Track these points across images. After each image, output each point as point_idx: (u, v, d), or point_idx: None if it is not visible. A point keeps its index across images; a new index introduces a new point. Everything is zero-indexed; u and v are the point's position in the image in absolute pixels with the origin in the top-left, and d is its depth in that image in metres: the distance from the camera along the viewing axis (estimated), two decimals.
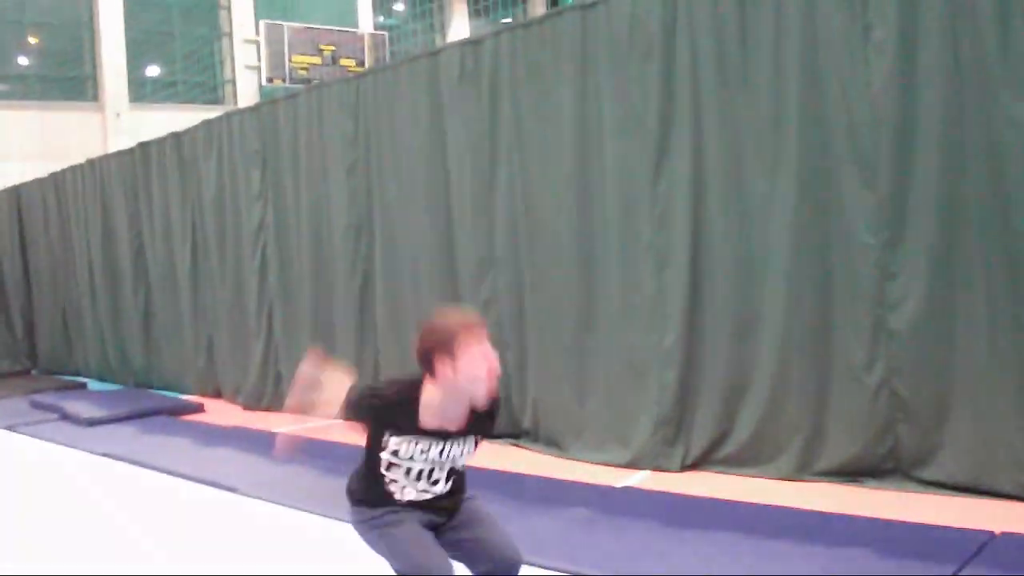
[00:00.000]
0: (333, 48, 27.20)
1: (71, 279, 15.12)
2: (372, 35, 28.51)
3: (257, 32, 26.51)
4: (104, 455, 8.38)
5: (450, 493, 3.58)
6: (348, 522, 3.66)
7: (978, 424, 5.54)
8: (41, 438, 9.68)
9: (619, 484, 6.36)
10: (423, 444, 3.45)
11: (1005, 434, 5.42)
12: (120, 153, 13.73)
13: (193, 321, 12.09)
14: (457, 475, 3.61)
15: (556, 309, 7.45)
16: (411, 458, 3.46)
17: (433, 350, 3.35)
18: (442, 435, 3.47)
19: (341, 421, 3.60)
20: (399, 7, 31.82)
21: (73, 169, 14.88)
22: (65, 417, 10.65)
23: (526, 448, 7.66)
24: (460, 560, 3.53)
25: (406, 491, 3.50)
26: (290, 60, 26.44)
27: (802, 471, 6.18)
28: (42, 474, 8.16)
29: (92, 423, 10.11)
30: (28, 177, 16.61)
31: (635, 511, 5.65)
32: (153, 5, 25.82)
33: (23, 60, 24.61)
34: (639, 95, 6.83)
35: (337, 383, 3.68)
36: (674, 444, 6.70)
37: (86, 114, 24.25)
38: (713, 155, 6.52)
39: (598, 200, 7.10)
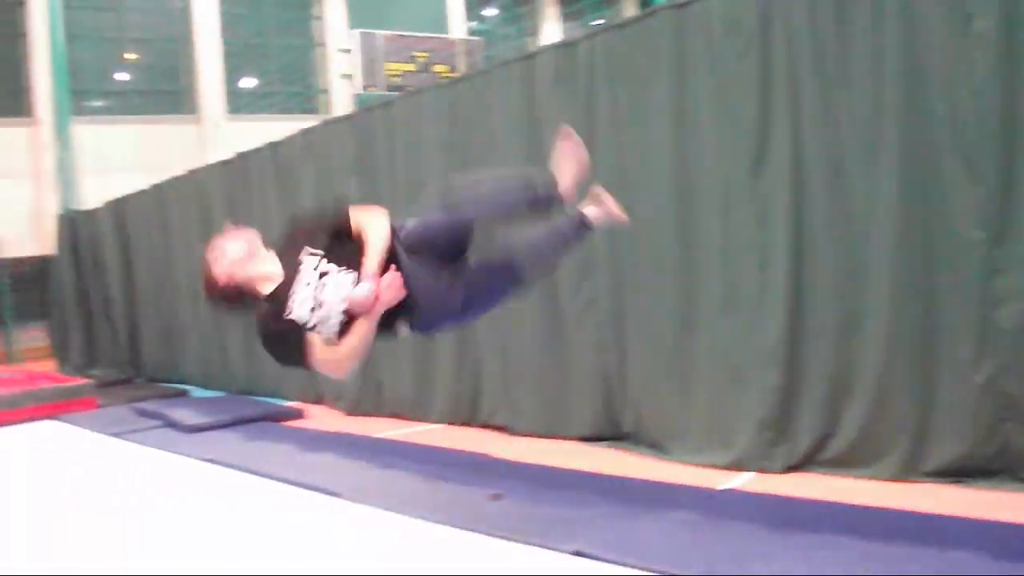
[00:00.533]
0: (427, 55, 27.35)
1: (174, 288, 15.39)
2: (465, 41, 28.63)
3: (350, 41, 26.77)
4: (209, 461, 8.51)
5: None
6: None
7: None
8: (147, 444, 9.86)
9: (722, 486, 6.31)
10: None
11: None
12: (219, 163, 13.98)
13: None
14: None
15: (656, 310, 7.38)
16: None
17: None
18: None
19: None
20: (490, 12, 31.91)
21: (174, 180, 15.17)
22: (169, 424, 10.82)
23: (627, 451, 7.62)
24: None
25: None
26: (384, 68, 26.64)
27: (908, 472, 6.04)
28: (150, 479, 8.31)
29: (196, 429, 10.26)
30: (129, 190, 16.95)
31: (739, 513, 5.58)
32: (248, 19, 26.25)
33: (122, 75, 25.17)
34: (736, 93, 6.76)
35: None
36: (777, 445, 6.61)
37: (185, 127, 24.71)
38: (813, 151, 6.43)
39: (697, 200, 7.04)
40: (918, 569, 4.46)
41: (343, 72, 27.06)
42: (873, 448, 6.22)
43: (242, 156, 13.02)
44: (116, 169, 21.98)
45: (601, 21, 29.24)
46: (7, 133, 22.89)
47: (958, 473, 5.88)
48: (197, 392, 14.16)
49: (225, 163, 13.61)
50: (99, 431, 10.90)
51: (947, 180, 5.80)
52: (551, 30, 31.34)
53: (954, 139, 5.75)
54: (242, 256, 4.47)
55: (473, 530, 5.73)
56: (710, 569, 4.69)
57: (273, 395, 12.44)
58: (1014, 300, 5.60)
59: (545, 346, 8.39)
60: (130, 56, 25.18)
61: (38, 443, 10.76)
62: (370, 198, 10.29)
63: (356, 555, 5.49)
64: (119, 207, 17.24)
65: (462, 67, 27.19)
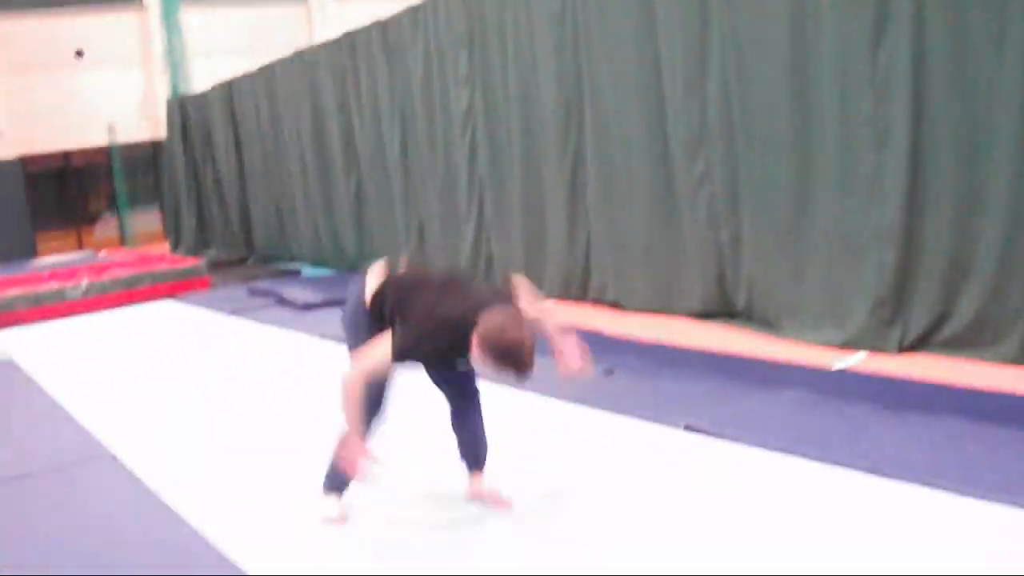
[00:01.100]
0: None
1: (284, 168, 15.59)
2: None
3: None
4: (321, 336, 8.71)
5: None
6: None
7: None
8: (261, 321, 10.11)
9: (835, 366, 6.26)
10: None
11: None
12: (328, 43, 13.98)
13: (404, 206, 12.35)
14: None
15: (771, 186, 7.22)
16: None
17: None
18: None
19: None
20: None
21: (282, 61, 15.25)
22: (282, 302, 11.07)
23: (740, 328, 7.59)
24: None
25: None
26: None
27: None
28: (266, 354, 8.54)
29: (307, 307, 10.49)
30: (238, 73, 17.09)
31: (852, 393, 5.57)
32: None
33: None
34: None
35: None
36: (892, 325, 6.51)
37: (292, 8, 24.75)
38: (935, 25, 6.16)
39: (814, 75, 6.81)
40: None
41: None
42: (990, 330, 6.06)
43: (350, 35, 13.01)
44: (224, 52, 22.18)
45: None
46: (116, 20, 23.19)
47: None
48: (309, 271, 14.42)
49: (334, 43, 13.62)
50: (215, 309, 11.20)
51: None
52: None
53: None
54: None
55: (586, 403, 5.81)
56: (822, 449, 4.69)
57: None
58: None
59: (657, 221, 8.32)
60: None
61: (158, 321, 11.09)
62: (480, 74, 10.25)
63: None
64: (228, 90, 17.41)
65: None
